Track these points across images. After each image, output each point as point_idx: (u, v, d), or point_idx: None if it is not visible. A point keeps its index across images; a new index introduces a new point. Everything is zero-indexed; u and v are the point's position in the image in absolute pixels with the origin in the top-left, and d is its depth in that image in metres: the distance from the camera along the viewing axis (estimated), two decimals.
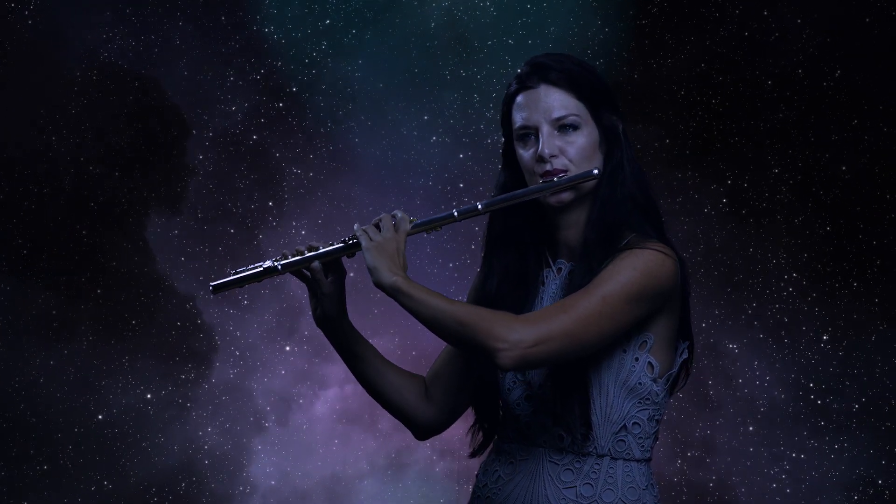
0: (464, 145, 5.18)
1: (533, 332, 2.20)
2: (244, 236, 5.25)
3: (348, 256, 2.40)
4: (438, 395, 2.53)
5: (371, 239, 2.31)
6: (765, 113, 5.04)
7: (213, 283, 2.41)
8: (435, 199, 5.12)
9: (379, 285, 2.28)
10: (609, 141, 2.40)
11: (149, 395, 5.19)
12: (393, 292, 2.27)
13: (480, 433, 2.51)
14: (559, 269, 2.45)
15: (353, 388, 5.24)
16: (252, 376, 5.27)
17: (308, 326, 5.24)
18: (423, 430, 2.55)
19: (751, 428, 5.11)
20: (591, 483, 2.35)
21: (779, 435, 5.08)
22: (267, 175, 5.30)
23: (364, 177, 5.23)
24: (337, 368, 5.27)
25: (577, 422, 2.34)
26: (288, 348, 5.29)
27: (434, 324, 2.24)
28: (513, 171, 2.45)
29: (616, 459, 2.36)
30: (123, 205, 5.18)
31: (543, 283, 2.46)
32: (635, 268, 2.26)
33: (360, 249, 2.34)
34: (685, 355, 2.41)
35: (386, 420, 5.23)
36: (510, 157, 2.46)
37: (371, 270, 2.29)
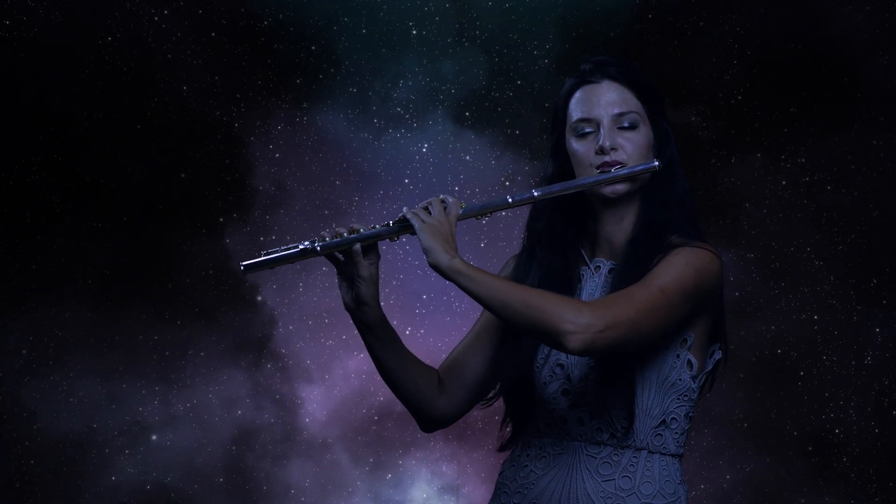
0: (468, 129, 5.05)
1: (602, 317, 2.25)
2: (211, 237, 4.83)
3: (391, 240, 2.43)
4: (452, 388, 2.57)
5: (423, 221, 2.35)
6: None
7: (244, 263, 2.38)
8: (434, 194, 4.97)
9: (436, 266, 2.31)
10: (661, 143, 2.52)
11: (94, 426, 4.77)
12: (452, 273, 2.30)
13: (509, 427, 2.56)
14: (597, 268, 2.53)
15: (329, 416, 4.98)
16: (219, 403, 4.90)
17: (282, 346, 4.98)
18: (432, 422, 2.59)
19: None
20: (630, 476, 2.42)
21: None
22: (236, 163, 4.87)
23: (353, 166, 4.97)
24: (311, 389, 5.00)
25: (620, 414, 2.41)
26: (255, 372, 4.94)
27: (497, 304, 2.27)
28: (561, 165, 2.54)
29: (653, 453, 2.44)
30: (64, 200, 4.71)
31: (580, 281, 2.53)
32: (689, 264, 2.36)
33: (407, 232, 2.38)
34: (717, 356, 2.50)
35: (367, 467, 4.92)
36: (559, 151, 2.54)
37: (427, 251, 2.31)
